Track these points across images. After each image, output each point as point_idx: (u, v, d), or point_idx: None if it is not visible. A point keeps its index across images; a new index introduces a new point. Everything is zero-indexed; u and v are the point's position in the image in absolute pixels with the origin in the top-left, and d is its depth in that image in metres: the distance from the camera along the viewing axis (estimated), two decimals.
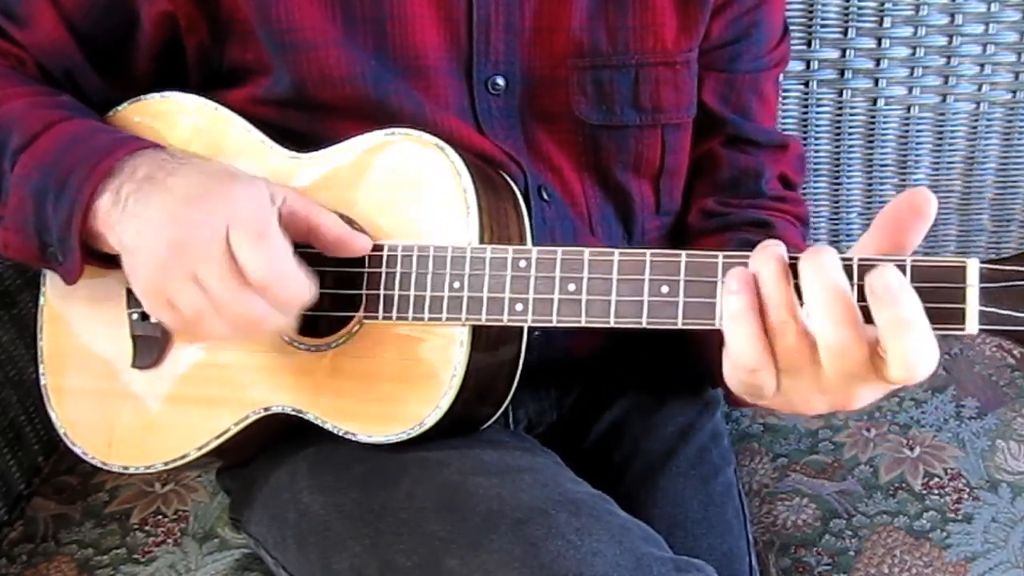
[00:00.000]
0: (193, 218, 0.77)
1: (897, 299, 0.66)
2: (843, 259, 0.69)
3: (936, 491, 1.12)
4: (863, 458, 1.17)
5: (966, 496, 1.11)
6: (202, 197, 0.78)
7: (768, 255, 0.70)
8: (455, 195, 0.82)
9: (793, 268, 0.69)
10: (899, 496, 1.12)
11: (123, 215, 0.79)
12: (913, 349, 0.66)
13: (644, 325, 0.75)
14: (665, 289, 0.74)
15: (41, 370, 0.95)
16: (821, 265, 0.68)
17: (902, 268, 0.68)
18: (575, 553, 0.76)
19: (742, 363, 0.71)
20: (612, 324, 0.76)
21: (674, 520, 0.99)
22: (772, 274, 0.69)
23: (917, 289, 0.67)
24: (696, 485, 1.02)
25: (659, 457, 1.03)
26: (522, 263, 0.79)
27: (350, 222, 0.84)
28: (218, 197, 0.78)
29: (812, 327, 0.68)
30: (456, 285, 0.80)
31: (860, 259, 0.69)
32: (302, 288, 0.78)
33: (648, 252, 0.75)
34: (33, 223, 0.83)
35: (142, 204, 0.79)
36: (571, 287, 0.77)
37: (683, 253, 0.74)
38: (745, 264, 0.71)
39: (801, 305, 0.68)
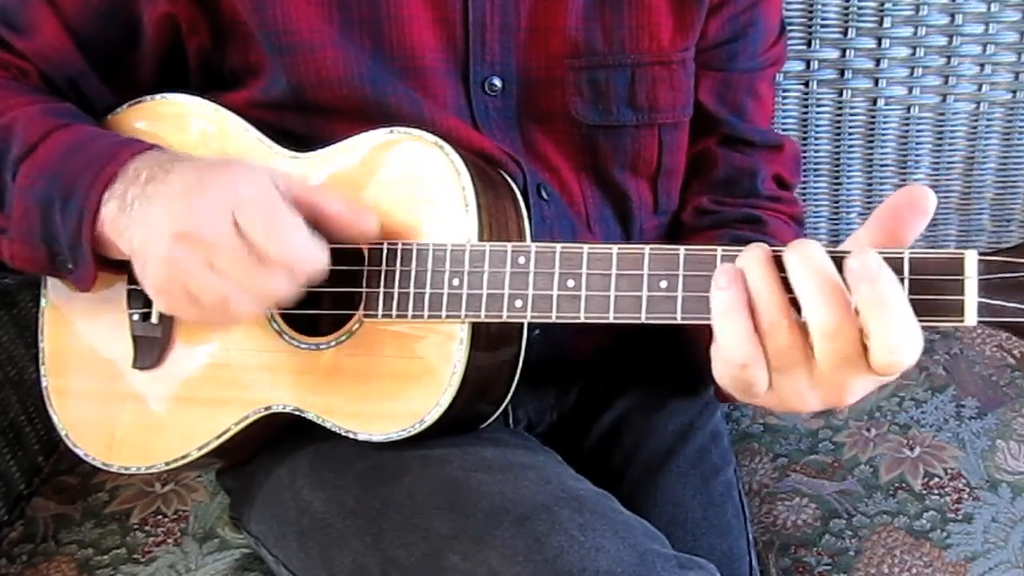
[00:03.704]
0: (196, 208, 0.76)
1: (876, 277, 0.66)
2: (833, 252, 0.69)
3: (936, 491, 1.12)
4: (863, 458, 1.16)
5: (966, 496, 1.11)
6: (202, 186, 0.77)
7: (753, 249, 0.70)
8: (454, 193, 0.82)
9: (779, 261, 0.69)
10: (899, 496, 1.12)
11: (131, 220, 0.79)
12: (894, 330, 0.66)
13: (643, 320, 0.75)
14: (664, 284, 0.74)
15: (42, 372, 0.95)
16: (807, 252, 0.68)
17: (900, 261, 0.68)
18: (579, 548, 0.76)
19: (732, 359, 0.71)
20: (611, 320, 0.76)
21: (674, 520, 0.99)
22: (759, 267, 0.69)
23: (915, 282, 0.67)
24: (696, 485, 1.02)
25: (659, 457, 1.03)
26: (521, 259, 0.79)
27: None
28: (218, 183, 0.77)
29: (804, 313, 0.68)
30: (455, 282, 0.80)
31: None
32: (320, 256, 0.78)
33: (647, 247, 0.75)
34: (40, 233, 0.83)
35: (146, 206, 0.79)
36: (570, 283, 0.77)
37: (681, 248, 0.74)
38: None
39: (790, 297, 0.69)
